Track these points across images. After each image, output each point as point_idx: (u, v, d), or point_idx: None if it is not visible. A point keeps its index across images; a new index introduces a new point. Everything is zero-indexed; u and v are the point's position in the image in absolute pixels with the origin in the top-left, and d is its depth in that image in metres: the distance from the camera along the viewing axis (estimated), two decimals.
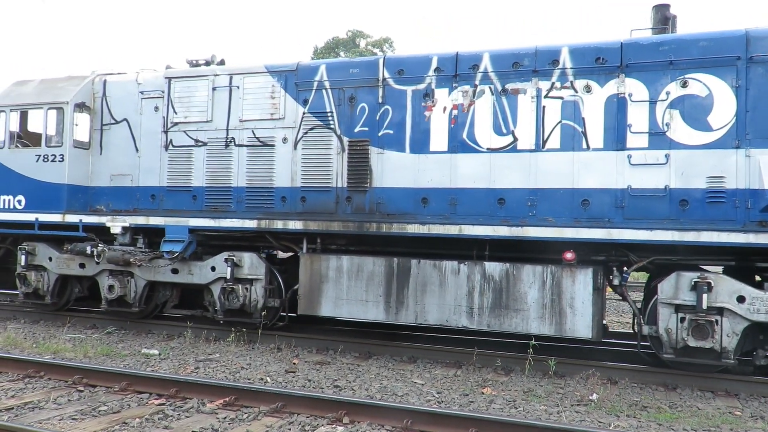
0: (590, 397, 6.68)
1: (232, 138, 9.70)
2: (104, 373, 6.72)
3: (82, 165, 10.48)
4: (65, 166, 10.24)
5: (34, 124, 10.92)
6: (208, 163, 9.84)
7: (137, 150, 10.32)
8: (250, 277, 9.20)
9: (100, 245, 9.86)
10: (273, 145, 9.46)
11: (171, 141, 10.09)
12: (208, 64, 10.61)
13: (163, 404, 5.97)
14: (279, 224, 8.89)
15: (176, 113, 10.07)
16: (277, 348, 8.97)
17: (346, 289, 8.58)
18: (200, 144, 9.90)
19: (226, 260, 9.17)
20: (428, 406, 6.17)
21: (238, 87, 9.69)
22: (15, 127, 10.74)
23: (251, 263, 9.21)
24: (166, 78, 10.19)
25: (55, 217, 10.19)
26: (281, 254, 10.23)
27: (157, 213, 9.97)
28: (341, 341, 9.06)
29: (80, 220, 10.02)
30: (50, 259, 10.44)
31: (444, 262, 8.16)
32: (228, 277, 9.14)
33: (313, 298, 8.75)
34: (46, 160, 10.34)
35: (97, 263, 10.00)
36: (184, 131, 10.00)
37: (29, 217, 10.34)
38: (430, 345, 8.97)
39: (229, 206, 9.68)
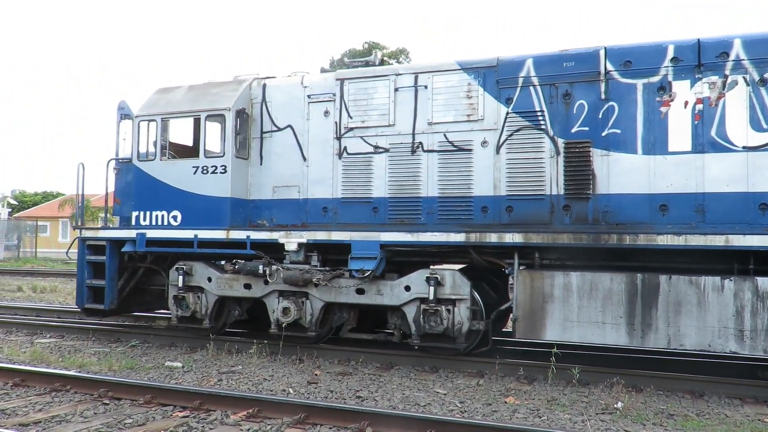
0: (615, 406, 6.51)
1: (420, 143, 8.76)
2: (129, 386, 6.73)
3: (241, 177, 9.61)
4: (228, 178, 9.36)
5: (190, 134, 10.11)
6: (391, 171, 8.90)
7: (305, 159, 9.43)
8: (452, 297, 8.21)
9: (273, 264, 8.96)
10: (470, 150, 8.50)
11: (345, 148, 9.18)
12: (367, 64, 9.75)
13: (187, 416, 5.95)
14: (493, 237, 7.89)
15: (351, 117, 9.16)
16: (298, 359, 8.80)
17: (577, 310, 7.55)
18: (381, 150, 8.97)
19: (427, 279, 8.20)
20: (451, 415, 6.10)
21: (425, 87, 8.76)
22: (167, 137, 9.92)
23: (453, 282, 8.23)
24: (337, 80, 9.30)
25: (217, 234, 9.32)
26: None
27: (331, 227, 9.05)
28: (362, 352, 8.84)
29: (247, 237, 9.13)
30: (209, 279, 9.57)
31: (702, 278, 7.10)
32: (430, 297, 8.17)
33: (535, 320, 7.73)
34: (205, 171, 9.49)
35: (266, 283, 9.10)
36: (361, 137, 9.09)
37: (187, 234, 9.48)
38: (452, 355, 8.56)
39: (418, 218, 8.72)
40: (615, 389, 7.04)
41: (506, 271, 8.13)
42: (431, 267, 8.74)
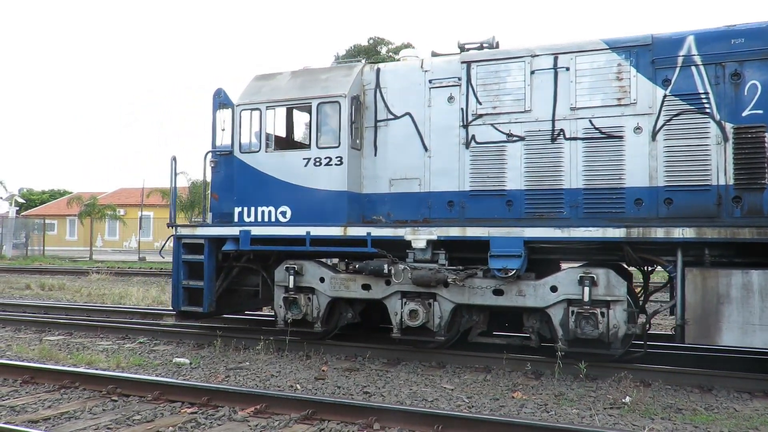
0: (623, 400, 6.45)
1: (561, 130, 8.04)
2: (137, 383, 6.76)
3: (355, 169, 8.92)
4: (344, 171, 8.68)
5: (297, 122, 9.44)
6: (527, 161, 8.19)
7: (426, 149, 8.73)
8: (606, 298, 7.49)
9: (400, 263, 8.26)
10: (620, 137, 7.78)
11: (473, 137, 8.47)
12: (481, 47, 9.02)
13: (195, 413, 5.99)
14: (659, 232, 7.15)
15: (480, 103, 8.44)
16: (305, 355, 8.80)
17: (759, 312, 6.81)
18: (515, 139, 8.25)
19: (581, 279, 7.48)
20: (459, 411, 6.06)
21: (566, 68, 8.04)
22: (271, 126, 9.24)
23: (608, 282, 7.50)
24: (463, 62, 8.58)
25: (333, 231, 8.63)
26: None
27: (458, 222, 8.36)
28: (369, 347, 8.77)
29: (368, 234, 8.43)
30: (321, 279, 8.88)
31: None
32: (585, 299, 7.45)
33: (708, 324, 6.99)
34: (318, 163, 8.80)
35: (388, 284, 8.42)
36: (492, 124, 8.38)
37: (298, 231, 8.80)
38: (459, 350, 8.52)
39: (561, 212, 8.01)
40: (623, 384, 6.96)
41: (667, 270, 7.40)
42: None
